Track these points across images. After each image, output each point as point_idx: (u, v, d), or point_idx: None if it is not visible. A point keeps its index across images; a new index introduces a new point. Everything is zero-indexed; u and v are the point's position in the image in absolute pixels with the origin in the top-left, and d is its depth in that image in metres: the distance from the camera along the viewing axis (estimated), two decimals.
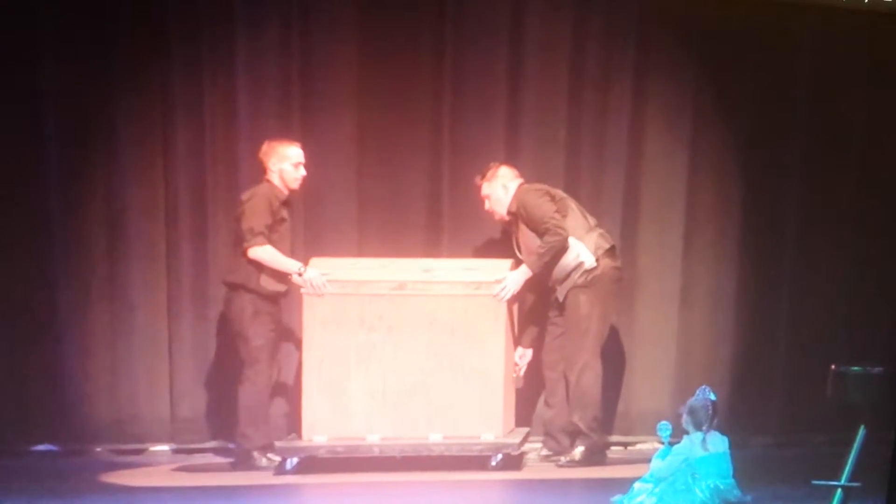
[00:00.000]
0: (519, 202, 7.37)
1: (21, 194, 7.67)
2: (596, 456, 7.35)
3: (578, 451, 7.31)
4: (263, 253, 7.16)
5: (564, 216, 7.33)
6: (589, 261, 7.31)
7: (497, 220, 7.57)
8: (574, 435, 7.36)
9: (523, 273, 7.27)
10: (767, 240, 8.18)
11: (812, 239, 8.18)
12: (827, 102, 8.11)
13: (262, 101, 7.84)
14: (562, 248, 7.28)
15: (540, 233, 7.27)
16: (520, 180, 7.45)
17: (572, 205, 7.43)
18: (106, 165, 7.75)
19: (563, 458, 7.32)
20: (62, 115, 7.69)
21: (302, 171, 7.34)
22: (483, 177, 7.44)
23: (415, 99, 7.86)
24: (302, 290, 7.20)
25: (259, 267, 7.19)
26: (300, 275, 7.16)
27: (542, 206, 7.32)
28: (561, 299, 7.37)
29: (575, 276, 7.32)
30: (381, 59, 7.80)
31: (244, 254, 7.19)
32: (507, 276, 7.25)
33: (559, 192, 7.47)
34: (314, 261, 7.29)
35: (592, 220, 7.45)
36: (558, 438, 7.47)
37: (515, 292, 7.28)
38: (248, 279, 7.21)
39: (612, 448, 7.99)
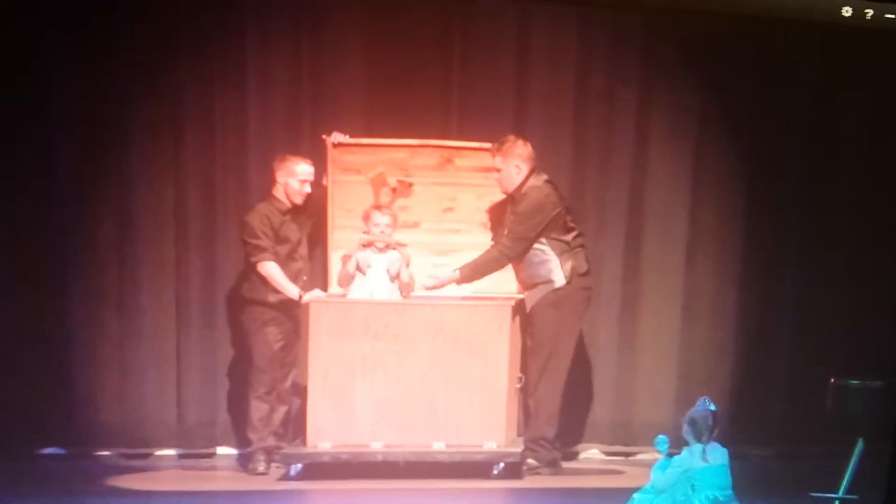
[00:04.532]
0: (523, 193, 7.34)
1: (31, 201, 7.70)
2: (550, 468, 7.37)
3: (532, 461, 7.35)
4: (269, 270, 7.35)
5: (551, 230, 7.30)
6: (559, 280, 7.33)
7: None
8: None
9: (450, 278, 7.35)
10: (769, 254, 8.22)
11: (813, 253, 8.21)
12: (828, 117, 8.16)
13: (272, 111, 7.88)
14: (496, 269, 7.34)
15: (503, 236, 7.31)
16: (532, 164, 7.40)
17: (566, 220, 7.40)
18: (116, 172, 7.78)
19: (526, 467, 7.33)
20: (73, 123, 7.71)
21: (307, 188, 7.49)
22: (498, 150, 7.41)
23: (421, 112, 7.88)
24: (305, 299, 7.32)
25: (266, 280, 7.36)
26: (299, 299, 7.33)
27: (529, 218, 7.31)
28: (528, 309, 7.39)
29: (544, 289, 7.35)
30: (389, 75, 7.82)
31: (253, 268, 7.39)
32: (439, 275, 7.36)
33: (558, 204, 7.40)
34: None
35: (576, 240, 7.40)
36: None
37: (436, 289, 7.37)
38: (258, 292, 7.39)
39: (614, 457, 8.08)
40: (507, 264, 7.40)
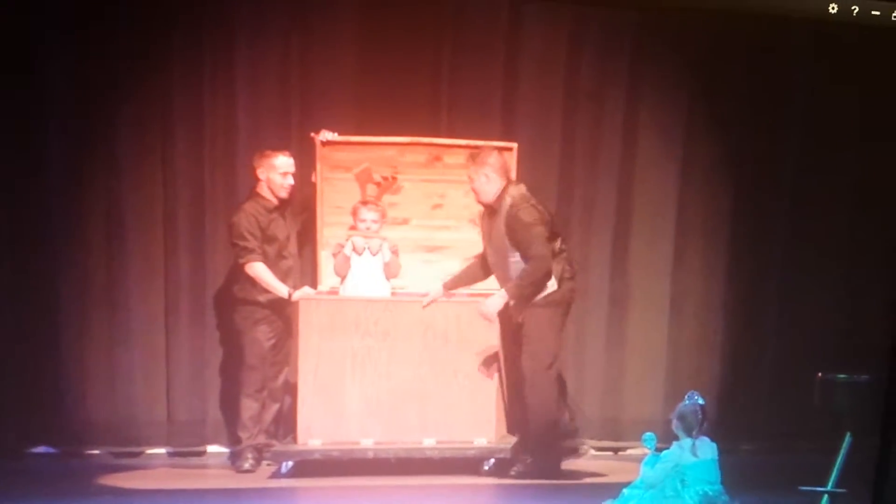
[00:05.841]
0: (511, 208, 7.16)
1: (21, 199, 7.70)
2: (545, 470, 7.19)
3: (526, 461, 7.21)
4: (256, 270, 7.34)
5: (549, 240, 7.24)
6: (552, 285, 7.21)
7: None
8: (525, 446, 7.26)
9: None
10: (756, 251, 8.27)
11: (799, 250, 8.27)
12: (818, 116, 8.20)
13: (261, 109, 7.89)
14: (547, 279, 7.16)
15: (524, 255, 7.14)
16: (505, 175, 7.24)
17: (552, 226, 7.30)
18: (106, 171, 7.78)
19: (513, 470, 7.19)
20: (63, 121, 7.71)
21: (290, 181, 7.47)
22: (472, 160, 7.28)
23: (411, 109, 7.89)
24: (295, 297, 7.33)
25: (255, 280, 7.36)
26: (289, 298, 7.33)
27: (535, 227, 7.13)
28: (519, 319, 7.23)
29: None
30: (379, 72, 7.85)
31: (241, 269, 7.38)
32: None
33: (544, 210, 7.29)
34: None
35: (561, 245, 7.30)
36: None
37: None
38: (248, 292, 7.39)
39: (603, 453, 8.11)
40: (549, 272, 7.16)
